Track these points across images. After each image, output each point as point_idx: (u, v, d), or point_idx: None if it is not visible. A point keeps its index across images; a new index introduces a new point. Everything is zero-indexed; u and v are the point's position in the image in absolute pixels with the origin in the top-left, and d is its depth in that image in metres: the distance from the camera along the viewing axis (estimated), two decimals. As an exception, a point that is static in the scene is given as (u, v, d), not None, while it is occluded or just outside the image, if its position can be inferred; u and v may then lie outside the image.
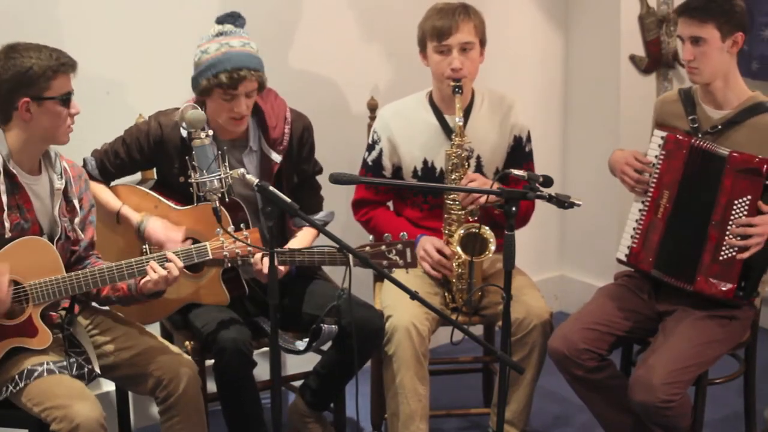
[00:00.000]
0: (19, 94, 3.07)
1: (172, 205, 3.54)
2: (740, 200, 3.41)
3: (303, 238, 3.67)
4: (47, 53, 3.08)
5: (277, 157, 3.61)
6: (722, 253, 3.44)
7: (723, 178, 3.42)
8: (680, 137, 3.52)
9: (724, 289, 3.45)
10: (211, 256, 3.30)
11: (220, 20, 3.50)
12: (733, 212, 3.42)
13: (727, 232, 3.43)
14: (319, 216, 3.71)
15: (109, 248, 3.53)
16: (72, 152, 3.32)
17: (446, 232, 3.75)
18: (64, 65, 3.09)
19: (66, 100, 3.11)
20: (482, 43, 3.73)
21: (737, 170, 3.40)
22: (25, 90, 3.07)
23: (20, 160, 3.15)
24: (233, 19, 3.50)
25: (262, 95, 3.57)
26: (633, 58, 4.81)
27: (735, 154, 3.40)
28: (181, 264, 3.24)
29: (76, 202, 3.28)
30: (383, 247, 3.39)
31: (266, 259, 3.37)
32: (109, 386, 3.59)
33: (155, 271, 3.21)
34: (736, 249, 3.42)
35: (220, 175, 3.13)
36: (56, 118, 3.11)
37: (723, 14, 3.41)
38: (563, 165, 5.09)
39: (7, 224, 3.11)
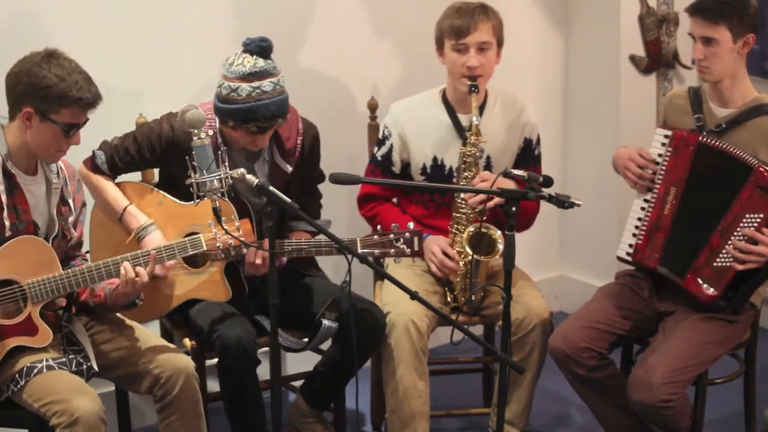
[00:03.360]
0: (27, 101, 3.08)
1: (177, 200, 3.55)
2: (752, 215, 3.40)
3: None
4: (74, 80, 3.05)
5: (288, 168, 3.62)
6: (718, 259, 3.45)
7: (743, 188, 3.40)
8: (687, 134, 3.52)
9: (707, 293, 3.45)
10: (205, 248, 3.31)
11: (249, 48, 3.41)
12: (742, 225, 3.41)
13: (729, 242, 3.42)
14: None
15: (108, 243, 3.53)
16: (71, 152, 3.31)
17: (454, 230, 3.75)
18: (81, 100, 3.06)
19: (68, 130, 3.10)
20: (499, 43, 3.74)
21: (759, 185, 3.38)
22: (35, 102, 3.07)
23: (18, 160, 3.16)
24: (262, 50, 3.41)
25: None
26: (633, 58, 4.81)
27: (762, 170, 3.37)
28: (146, 274, 3.21)
29: (70, 201, 3.29)
30: (391, 236, 3.41)
31: (260, 253, 3.42)
32: (109, 386, 3.59)
33: (125, 271, 3.19)
34: (732, 259, 3.42)
35: (219, 175, 3.13)
36: (52, 140, 3.11)
37: (736, 15, 3.40)
38: (563, 165, 5.09)
39: (7, 223, 3.12)
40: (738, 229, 3.42)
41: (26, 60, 3.10)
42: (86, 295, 3.32)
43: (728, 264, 3.43)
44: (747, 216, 3.41)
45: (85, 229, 3.46)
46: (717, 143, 3.47)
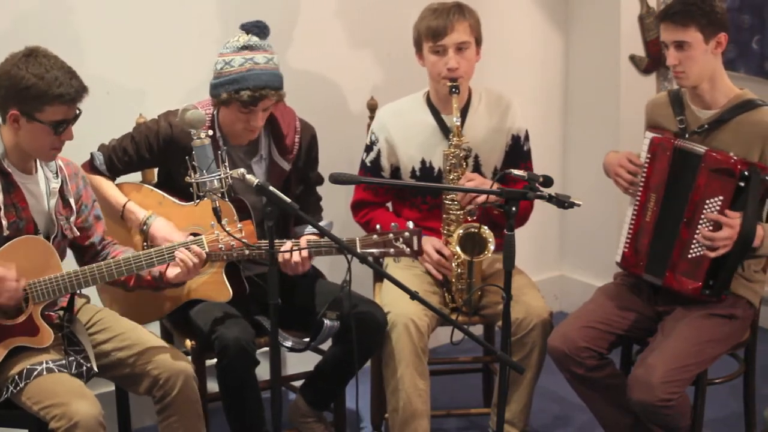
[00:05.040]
0: (11, 104, 3.07)
1: (177, 201, 3.55)
2: (711, 200, 3.42)
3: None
4: (54, 75, 3.03)
5: (286, 166, 3.62)
6: (691, 251, 3.46)
7: (698, 176, 3.42)
8: (664, 139, 3.52)
9: (689, 286, 3.46)
10: (207, 249, 3.31)
11: (246, 29, 3.48)
12: (704, 212, 3.42)
13: (697, 231, 3.43)
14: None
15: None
16: (71, 152, 3.32)
17: (445, 232, 3.75)
18: (62, 96, 3.04)
19: (57, 127, 3.08)
20: (478, 41, 3.74)
21: (711, 169, 3.40)
22: (17, 103, 3.06)
23: (14, 159, 3.16)
24: (259, 29, 3.47)
25: None
26: (633, 58, 4.81)
27: (712, 153, 3.40)
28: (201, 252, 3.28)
29: (72, 201, 3.28)
30: (390, 235, 3.41)
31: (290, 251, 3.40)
32: (109, 386, 3.59)
33: (183, 261, 3.25)
34: (704, 248, 3.43)
35: (219, 175, 3.13)
36: (42, 139, 3.10)
37: (704, 16, 3.41)
38: (563, 165, 5.09)
39: (4, 222, 3.12)
40: (701, 217, 3.43)
41: (6, 61, 3.08)
42: (134, 283, 3.34)
43: (701, 253, 3.44)
44: (707, 202, 3.42)
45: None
46: (690, 145, 3.47)
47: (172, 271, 3.30)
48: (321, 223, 3.73)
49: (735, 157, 3.39)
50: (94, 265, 3.22)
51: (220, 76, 3.46)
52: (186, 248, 3.27)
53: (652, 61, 4.83)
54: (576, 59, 5.00)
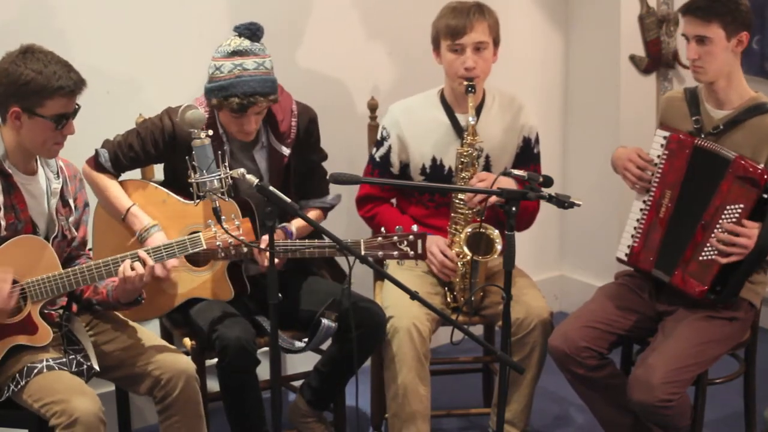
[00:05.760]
0: (11, 101, 3.07)
1: (181, 199, 3.55)
2: (732, 206, 3.41)
3: (299, 228, 3.67)
4: (52, 70, 3.04)
5: (286, 151, 3.62)
6: (703, 253, 3.45)
7: (722, 180, 3.42)
8: (683, 137, 3.52)
9: (695, 288, 3.46)
10: (204, 247, 3.31)
11: (239, 31, 3.47)
12: (723, 217, 3.42)
13: (712, 235, 3.43)
14: (326, 199, 3.75)
15: (111, 242, 3.53)
16: (72, 152, 3.32)
17: (452, 230, 3.75)
18: (62, 89, 3.05)
19: (59, 121, 3.08)
20: (496, 42, 3.74)
21: (737, 176, 3.40)
22: (18, 100, 3.06)
23: (15, 160, 3.16)
24: (251, 32, 3.45)
25: None
26: (633, 58, 4.81)
27: (740, 160, 3.39)
28: (148, 266, 3.21)
29: (71, 201, 3.29)
30: (395, 238, 3.41)
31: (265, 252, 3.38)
32: (109, 386, 3.60)
33: (123, 269, 3.19)
34: (716, 252, 3.42)
35: (219, 175, 3.13)
36: (44, 134, 3.10)
37: (728, 13, 3.40)
38: (563, 165, 5.09)
39: (3, 223, 3.12)
40: (719, 221, 3.43)
41: (3, 60, 3.10)
42: (89, 293, 3.33)
43: (713, 257, 3.44)
44: (728, 208, 3.42)
45: (89, 228, 3.46)
46: (712, 146, 3.47)
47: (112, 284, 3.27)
48: (329, 197, 3.74)
49: (761, 167, 3.38)
50: (92, 263, 3.22)
51: (211, 81, 3.45)
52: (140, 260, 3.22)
53: (652, 61, 4.83)
54: (576, 59, 5.00)
